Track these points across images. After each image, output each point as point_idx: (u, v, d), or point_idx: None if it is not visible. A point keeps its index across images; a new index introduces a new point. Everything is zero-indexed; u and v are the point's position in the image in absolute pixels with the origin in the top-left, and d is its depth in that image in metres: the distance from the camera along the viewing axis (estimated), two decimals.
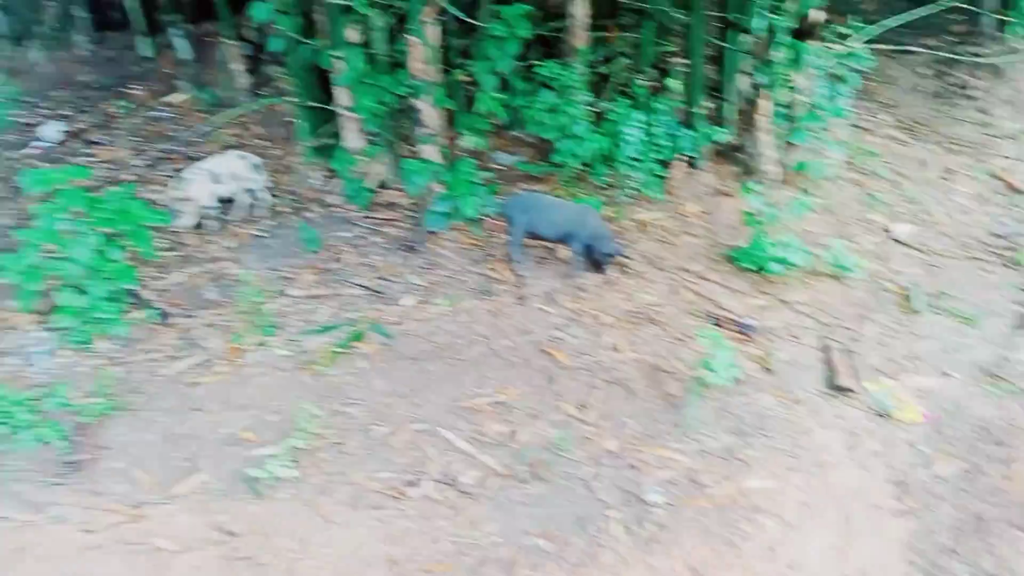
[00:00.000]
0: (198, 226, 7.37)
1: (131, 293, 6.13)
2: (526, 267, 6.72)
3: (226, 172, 7.30)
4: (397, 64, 7.58)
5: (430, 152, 7.35)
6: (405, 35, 6.96)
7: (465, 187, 7.07)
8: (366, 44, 7.36)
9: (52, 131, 9.61)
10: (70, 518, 4.54)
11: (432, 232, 7.16)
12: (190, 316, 6.17)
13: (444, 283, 6.60)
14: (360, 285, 6.53)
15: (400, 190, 7.95)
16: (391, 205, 7.77)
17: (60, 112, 10.34)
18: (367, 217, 7.58)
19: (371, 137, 7.76)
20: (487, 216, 7.31)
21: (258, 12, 7.00)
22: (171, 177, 8.39)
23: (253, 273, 6.59)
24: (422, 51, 6.95)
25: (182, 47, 10.21)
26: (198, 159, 8.83)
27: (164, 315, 6.12)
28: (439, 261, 6.88)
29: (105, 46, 12.11)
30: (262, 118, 9.41)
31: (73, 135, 9.59)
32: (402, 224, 7.44)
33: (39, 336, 5.96)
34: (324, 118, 8.13)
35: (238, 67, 9.60)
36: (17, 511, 4.53)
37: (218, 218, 7.44)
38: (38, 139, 9.50)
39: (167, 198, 7.21)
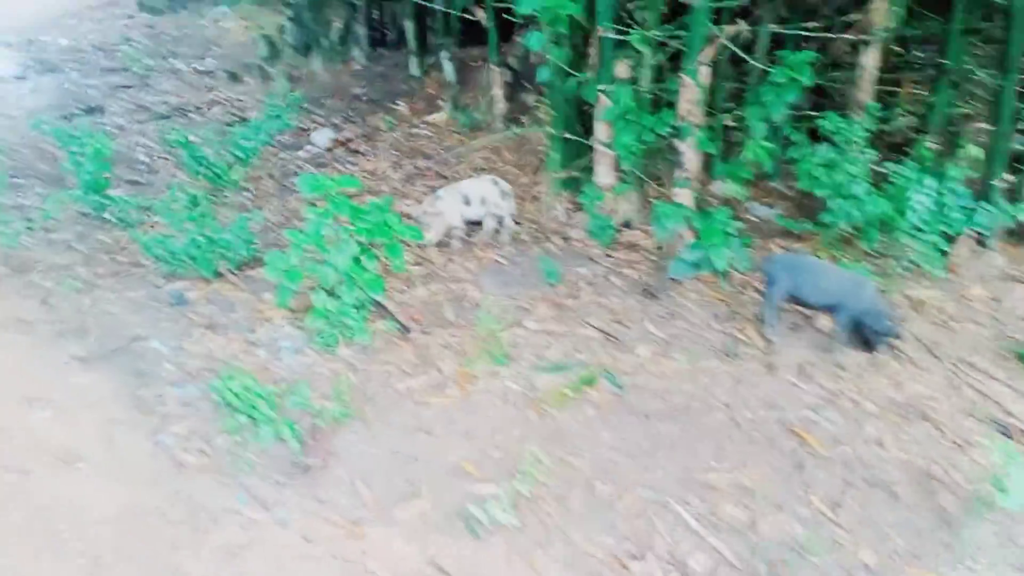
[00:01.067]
0: (443, 244, 7.43)
1: (377, 303, 6.20)
2: (778, 332, 6.09)
3: (477, 196, 7.30)
4: (661, 103, 7.28)
5: (684, 197, 6.93)
6: (678, 74, 6.61)
7: (718, 236, 6.56)
8: (633, 80, 7.11)
9: (323, 138, 10.21)
10: (293, 523, 4.52)
11: (675, 280, 6.72)
12: (428, 334, 6.14)
13: (684, 337, 6.13)
14: (595, 327, 6.21)
15: (644, 231, 7.61)
16: (633, 246, 7.42)
17: (331, 120, 11.02)
18: (608, 255, 7.29)
19: (622, 175, 7.48)
20: (737, 270, 6.77)
21: (532, 41, 6.94)
22: (423, 193, 8.59)
23: (491, 298, 6.47)
24: (694, 92, 6.57)
25: (448, 69, 10.51)
26: (450, 178, 9.01)
27: (405, 329, 6.13)
28: (680, 312, 6.41)
29: (378, 62, 12.85)
30: (515, 144, 9.45)
31: (340, 143, 10.13)
32: (643, 267, 7.06)
33: (290, 332, 6.16)
34: (577, 151, 7.97)
35: (498, 93, 9.71)
36: (247, 506, 4.58)
37: (462, 239, 7.46)
38: (311, 144, 10.13)
39: (419, 212, 7.31)
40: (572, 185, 8.13)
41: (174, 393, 5.56)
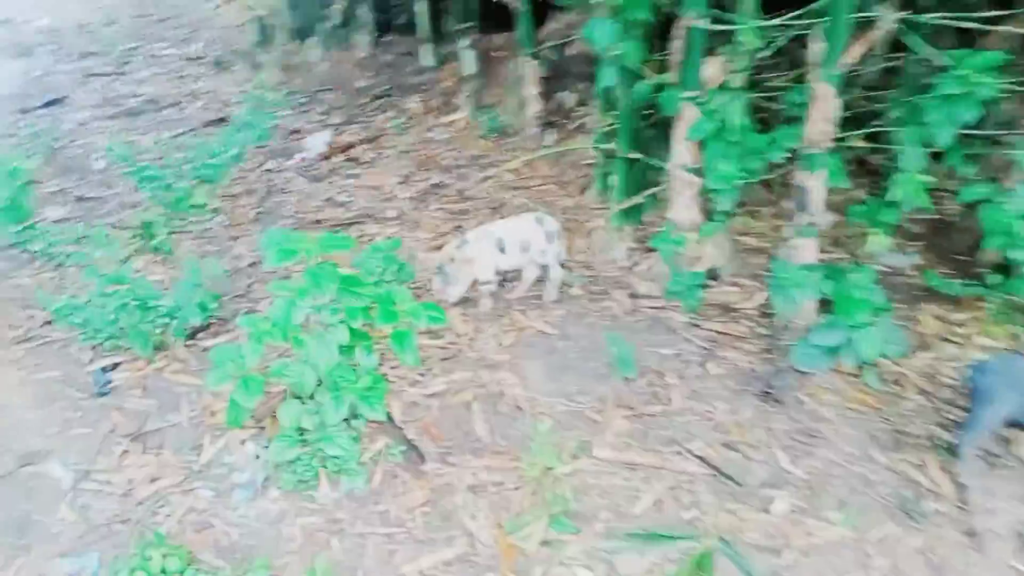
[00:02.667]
0: (467, 301, 5.20)
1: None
2: (973, 470, 3.87)
3: (516, 240, 5.01)
4: (765, 119, 5.01)
5: (810, 251, 4.67)
6: (811, 82, 4.31)
7: (861, 307, 4.31)
8: (733, 87, 4.82)
9: (318, 142, 7.91)
10: None
11: (801, 372, 4.48)
12: (448, 462, 3.92)
13: (835, 477, 3.87)
14: (699, 456, 3.98)
15: (740, 286, 5.36)
16: (729, 310, 5.15)
17: (329, 120, 8.70)
18: (695, 325, 5.02)
19: (711, 211, 5.22)
20: (886, 356, 4.52)
21: (597, 35, 4.62)
22: (441, 220, 6.35)
23: (541, 404, 4.26)
24: (831, 106, 4.28)
25: (468, 60, 8.17)
26: (474, 199, 6.75)
27: (417, 456, 3.91)
28: (820, 430, 4.16)
29: (385, 50, 10.48)
30: (553, 155, 7.14)
31: (339, 149, 7.84)
32: (750, 347, 4.80)
33: (248, 455, 3.96)
34: (641, 174, 5.71)
35: (532, 91, 7.37)
36: None
37: (494, 295, 5.21)
38: (303, 151, 7.84)
39: (437, 261, 5.09)
40: (635, 216, 5.88)
41: (63, 571, 3.38)
